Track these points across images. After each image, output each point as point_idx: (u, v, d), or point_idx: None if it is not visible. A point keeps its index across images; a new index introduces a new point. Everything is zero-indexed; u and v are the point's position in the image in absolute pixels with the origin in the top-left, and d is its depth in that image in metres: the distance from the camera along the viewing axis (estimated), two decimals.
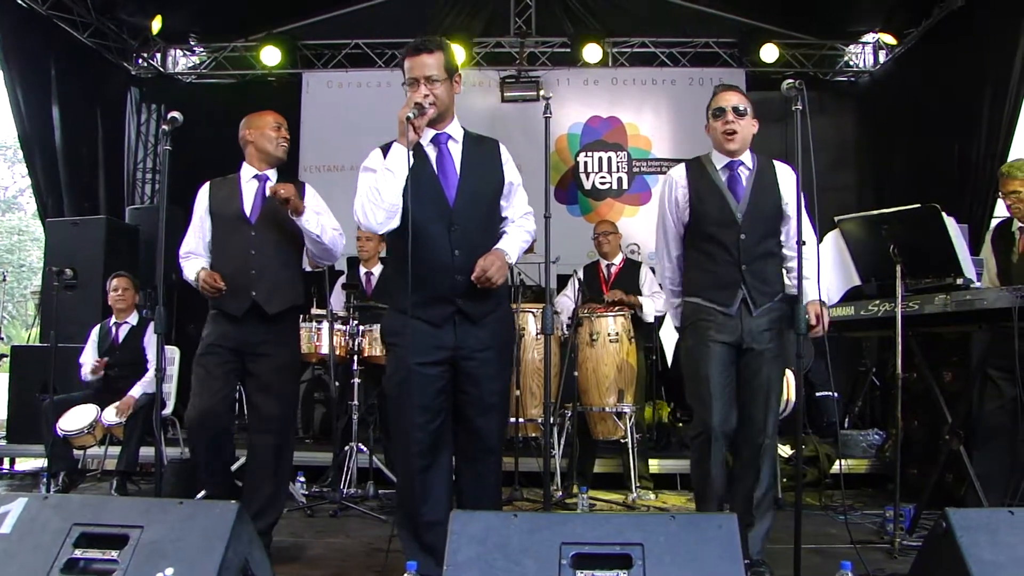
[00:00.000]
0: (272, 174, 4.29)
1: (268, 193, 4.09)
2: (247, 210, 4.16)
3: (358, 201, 3.32)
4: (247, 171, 4.27)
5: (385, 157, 3.31)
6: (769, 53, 9.43)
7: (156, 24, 9.42)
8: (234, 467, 4.61)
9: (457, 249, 3.32)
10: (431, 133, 3.43)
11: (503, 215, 3.53)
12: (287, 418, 4.25)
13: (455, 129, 3.47)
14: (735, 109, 3.74)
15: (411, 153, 3.21)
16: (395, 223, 3.31)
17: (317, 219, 4.11)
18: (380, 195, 3.25)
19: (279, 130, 4.29)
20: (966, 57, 7.85)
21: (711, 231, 3.75)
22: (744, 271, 3.67)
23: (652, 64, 10.01)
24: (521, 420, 5.63)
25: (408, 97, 3.29)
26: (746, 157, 3.81)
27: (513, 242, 3.48)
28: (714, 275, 3.73)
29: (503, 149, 3.53)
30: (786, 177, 3.81)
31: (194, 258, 4.21)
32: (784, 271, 3.88)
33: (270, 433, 4.12)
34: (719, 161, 3.82)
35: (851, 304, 4.72)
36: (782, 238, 3.80)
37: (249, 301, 4.07)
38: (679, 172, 3.90)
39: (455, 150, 3.45)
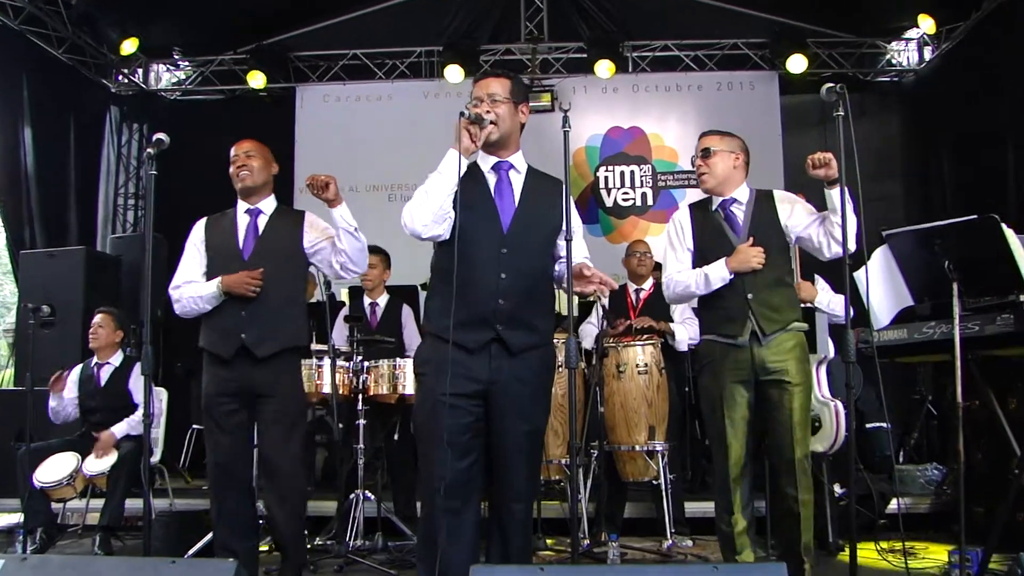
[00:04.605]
0: (266, 205, 4.38)
1: (306, 183, 4.09)
2: (240, 245, 4.24)
3: (407, 205, 3.40)
4: (240, 205, 4.37)
5: None
6: (797, 64, 9.36)
7: (129, 46, 9.50)
8: None
9: (504, 272, 3.36)
10: (492, 160, 3.51)
11: (560, 255, 3.53)
12: (295, 474, 4.29)
13: (518, 160, 3.57)
14: (703, 152, 4.12)
15: (463, 167, 3.28)
16: (441, 230, 3.38)
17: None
18: (427, 196, 3.33)
19: (235, 160, 4.35)
20: (1020, 51, 7.82)
21: None
22: (751, 300, 3.96)
23: (676, 68, 10.04)
24: (544, 461, 5.56)
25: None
26: (739, 193, 4.15)
27: None
28: (723, 309, 4.05)
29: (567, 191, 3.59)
30: (786, 203, 4.12)
31: (195, 283, 4.24)
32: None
33: (275, 493, 4.20)
34: (714, 202, 4.19)
35: (903, 327, 4.69)
36: (814, 242, 4.02)
37: (238, 343, 4.12)
38: (684, 216, 4.27)
39: (516, 180, 3.53)
